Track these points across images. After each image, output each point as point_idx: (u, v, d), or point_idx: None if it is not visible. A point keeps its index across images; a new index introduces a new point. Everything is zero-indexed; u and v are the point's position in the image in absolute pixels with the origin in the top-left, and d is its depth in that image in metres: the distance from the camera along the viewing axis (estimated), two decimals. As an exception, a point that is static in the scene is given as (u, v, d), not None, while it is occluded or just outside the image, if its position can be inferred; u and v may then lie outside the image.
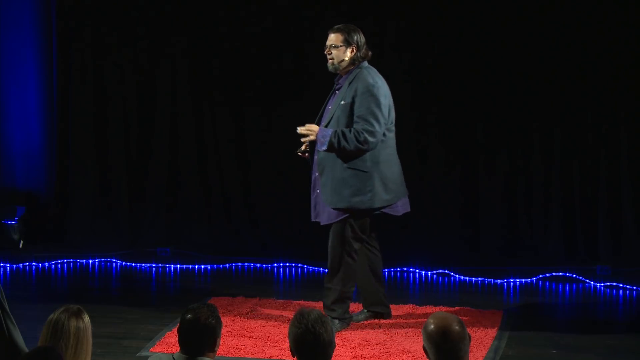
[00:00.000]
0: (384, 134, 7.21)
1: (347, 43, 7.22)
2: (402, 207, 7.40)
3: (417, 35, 9.26)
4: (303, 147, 7.37)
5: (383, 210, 7.31)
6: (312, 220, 7.43)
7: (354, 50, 7.23)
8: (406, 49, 9.29)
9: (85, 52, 9.84)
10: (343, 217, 7.20)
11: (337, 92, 7.32)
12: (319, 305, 7.77)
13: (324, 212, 7.27)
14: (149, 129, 9.84)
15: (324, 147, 7.12)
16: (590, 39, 8.97)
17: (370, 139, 7.09)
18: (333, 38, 7.26)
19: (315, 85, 8.77)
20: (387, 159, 7.27)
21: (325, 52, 7.27)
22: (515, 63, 9.12)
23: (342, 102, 7.18)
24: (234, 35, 9.58)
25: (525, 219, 9.29)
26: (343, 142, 7.07)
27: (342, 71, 7.29)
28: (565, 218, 9.21)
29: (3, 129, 10.04)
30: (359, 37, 7.24)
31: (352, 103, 7.15)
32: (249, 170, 9.67)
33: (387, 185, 7.25)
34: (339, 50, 7.23)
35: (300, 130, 7.22)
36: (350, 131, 7.08)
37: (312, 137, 7.19)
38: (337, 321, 7.26)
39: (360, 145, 7.07)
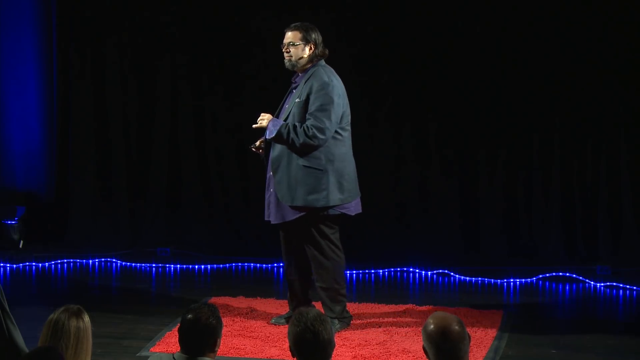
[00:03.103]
0: (339, 133, 7.20)
1: (306, 41, 7.24)
2: (354, 207, 7.35)
3: (417, 35, 9.26)
4: (258, 143, 7.34)
5: (337, 209, 7.25)
6: (265, 219, 7.40)
7: (312, 48, 7.24)
8: (407, 47, 9.29)
9: (85, 52, 9.84)
10: (298, 215, 7.18)
11: (293, 90, 7.33)
12: (318, 305, 7.78)
13: (278, 211, 7.24)
14: (149, 128, 9.84)
15: (272, 135, 7.11)
16: (590, 38, 8.97)
17: (320, 135, 7.08)
18: (291, 36, 7.26)
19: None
20: (342, 157, 7.23)
21: (283, 50, 7.28)
22: (515, 62, 9.12)
23: (297, 100, 7.19)
24: (234, 35, 9.57)
25: (525, 219, 9.30)
26: (292, 135, 7.08)
27: (299, 69, 7.29)
28: (565, 218, 9.22)
29: (3, 129, 10.04)
30: (317, 36, 7.27)
31: (307, 101, 7.16)
32: (249, 170, 9.66)
33: (342, 184, 7.22)
34: (297, 48, 7.23)
35: (256, 125, 7.20)
36: (300, 126, 7.10)
37: (263, 124, 7.17)
38: (336, 321, 7.26)
39: (309, 140, 7.07)
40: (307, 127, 7.09)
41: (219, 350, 4.50)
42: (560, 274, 9.00)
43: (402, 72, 9.29)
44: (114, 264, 9.53)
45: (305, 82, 7.22)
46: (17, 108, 10.02)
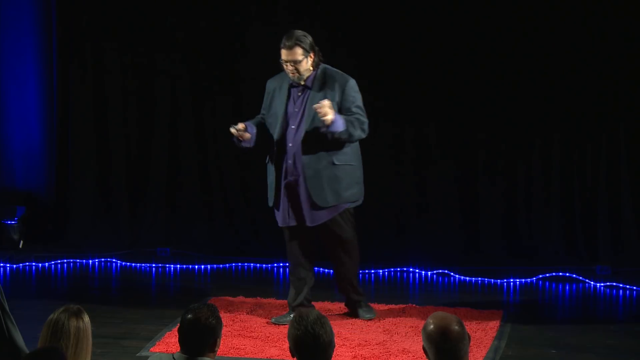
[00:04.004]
0: None
1: (306, 52, 7.28)
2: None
3: (417, 34, 9.26)
4: (241, 126, 7.30)
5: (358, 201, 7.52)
6: (289, 225, 7.41)
7: (312, 56, 7.30)
8: (407, 47, 9.28)
9: (85, 52, 9.83)
10: (337, 213, 7.33)
11: (298, 94, 7.35)
12: (318, 305, 7.78)
13: (314, 213, 7.32)
14: (149, 128, 9.84)
15: (341, 129, 7.13)
16: (591, 38, 8.97)
17: (367, 129, 7.32)
18: (291, 54, 7.26)
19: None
20: (360, 154, 7.47)
21: (286, 67, 7.29)
22: (515, 63, 9.11)
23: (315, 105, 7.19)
24: (234, 35, 9.57)
25: (525, 219, 9.29)
26: (351, 128, 7.19)
27: (305, 78, 7.35)
28: (565, 218, 9.21)
29: (3, 128, 10.04)
30: (312, 41, 7.32)
31: (334, 101, 7.22)
32: (249, 170, 9.66)
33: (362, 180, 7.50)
34: (300, 64, 7.27)
35: (321, 108, 7.10)
36: (356, 119, 7.20)
37: (329, 115, 7.09)
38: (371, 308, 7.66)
39: (361, 134, 7.29)
40: (361, 122, 7.24)
41: (219, 350, 4.50)
42: (560, 274, 9.00)
43: (401, 72, 9.29)
44: (114, 264, 9.53)
45: (320, 85, 7.31)
46: (17, 108, 10.02)
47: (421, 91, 9.33)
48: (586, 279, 8.92)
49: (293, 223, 7.41)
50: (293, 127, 7.33)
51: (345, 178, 7.33)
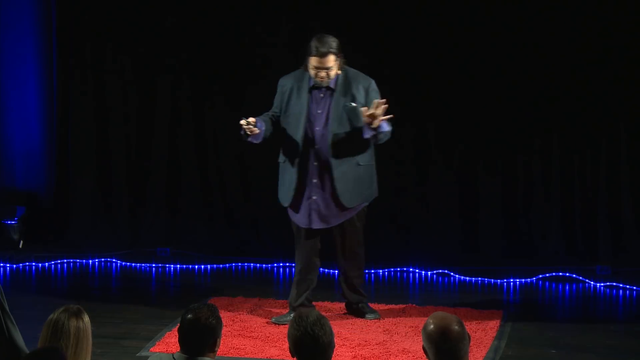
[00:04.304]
0: None
1: (337, 58, 7.32)
2: None
3: (417, 34, 9.26)
4: (251, 119, 7.26)
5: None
6: (313, 227, 7.42)
7: (338, 59, 7.35)
8: (407, 47, 9.29)
9: (85, 52, 9.83)
10: (356, 212, 7.45)
11: (321, 95, 7.36)
12: (318, 305, 7.78)
13: (338, 212, 7.38)
14: (149, 128, 9.83)
15: (387, 129, 7.24)
16: (591, 39, 8.97)
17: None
18: (325, 61, 7.27)
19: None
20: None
21: (317, 73, 7.29)
22: (515, 63, 9.11)
23: (353, 104, 7.27)
24: (234, 35, 9.57)
25: (525, 219, 9.29)
26: (386, 129, 7.27)
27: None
28: (565, 218, 9.21)
29: (3, 129, 10.03)
30: (339, 44, 7.34)
31: (360, 102, 7.29)
32: (249, 170, 9.66)
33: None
34: (332, 69, 7.31)
35: (381, 107, 7.16)
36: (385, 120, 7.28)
37: (380, 119, 7.18)
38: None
39: (389, 137, 7.41)
40: (389, 123, 7.28)
41: (219, 350, 4.50)
42: (560, 274, 9.00)
43: (401, 72, 9.28)
44: (114, 264, 9.53)
45: (344, 87, 7.34)
46: (17, 108, 10.01)
47: (421, 91, 9.33)
48: (586, 279, 8.92)
49: (317, 225, 7.41)
50: (318, 128, 7.34)
51: (367, 178, 7.44)
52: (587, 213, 9.16)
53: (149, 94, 9.81)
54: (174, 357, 4.40)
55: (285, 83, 7.54)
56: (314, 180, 7.34)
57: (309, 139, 7.35)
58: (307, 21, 9.34)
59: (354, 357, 6.81)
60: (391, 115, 7.24)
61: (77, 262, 9.54)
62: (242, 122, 7.26)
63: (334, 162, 7.31)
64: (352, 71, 7.42)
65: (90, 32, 9.79)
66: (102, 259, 9.57)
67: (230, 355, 6.84)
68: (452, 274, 9.12)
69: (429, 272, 9.18)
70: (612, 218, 9.11)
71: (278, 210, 9.49)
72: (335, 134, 7.31)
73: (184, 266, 9.43)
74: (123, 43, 9.78)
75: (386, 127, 7.23)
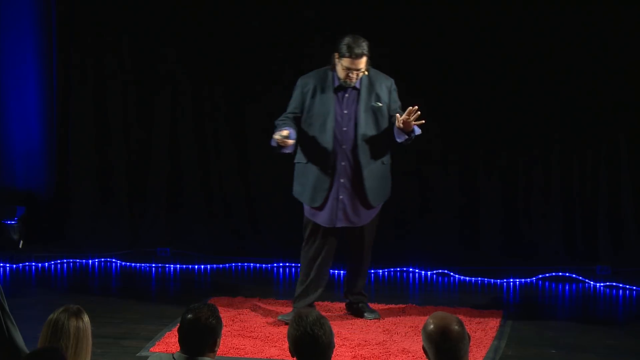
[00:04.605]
0: None
1: (367, 59, 7.31)
2: None
3: (418, 35, 9.26)
4: (285, 133, 7.15)
5: None
6: (337, 226, 7.40)
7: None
8: (407, 47, 9.28)
9: (85, 52, 9.83)
10: (378, 210, 7.51)
11: (346, 95, 7.33)
12: (318, 305, 7.78)
13: (364, 211, 7.41)
14: (149, 128, 9.83)
15: (419, 131, 7.32)
16: (591, 39, 8.97)
17: None
18: (359, 63, 7.25)
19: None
20: None
21: (348, 74, 7.25)
22: (515, 62, 9.11)
23: (379, 104, 7.34)
24: (234, 35, 9.57)
25: (525, 218, 9.29)
26: (418, 133, 7.36)
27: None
28: (565, 218, 9.21)
29: (3, 129, 10.03)
30: (368, 44, 7.33)
31: (385, 103, 7.39)
32: (249, 170, 9.66)
33: None
34: (362, 71, 7.31)
35: (414, 114, 7.18)
36: None
37: (414, 123, 7.25)
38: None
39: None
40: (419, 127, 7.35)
41: (219, 350, 4.50)
42: (560, 274, 9.01)
43: (401, 72, 9.28)
44: (114, 264, 9.53)
45: (369, 87, 7.36)
46: (17, 108, 10.01)
47: (421, 91, 9.32)
48: (586, 279, 8.92)
49: (342, 224, 7.38)
50: (345, 129, 7.32)
51: (389, 177, 7.54)
52: (587, 213, 9.16)
53: (149, 94, 9.81)
54: (173, 357, 4.40)
55: (307, 83, 7.42)
56: (342, 180, 7.32)
57: (336, 139, 7.32)
58: (307, 21, 9.34)
59: (354, 357, 6.81)
60: (423, 121, 7.23)
61: (77, 262, 9.55)
62: (277, 137, 7.14)
63: (363, 161, 7.31)
64: (372, 70, 7.42)
65: (91, 31, 9.79)
66: (102, 259, 9.57)
67: (230, 355, 6.84)
68: (452, 274, 9.13)
69: (429, 272, 9.18)
70: (612, 218, 9.11)
71: (278, 211, 9.53)
72: (364, 134, 7.31)
73: (184, 266, 9.43)
74: (123, 43, 9.78)
75: (418, 131, 7.28)
